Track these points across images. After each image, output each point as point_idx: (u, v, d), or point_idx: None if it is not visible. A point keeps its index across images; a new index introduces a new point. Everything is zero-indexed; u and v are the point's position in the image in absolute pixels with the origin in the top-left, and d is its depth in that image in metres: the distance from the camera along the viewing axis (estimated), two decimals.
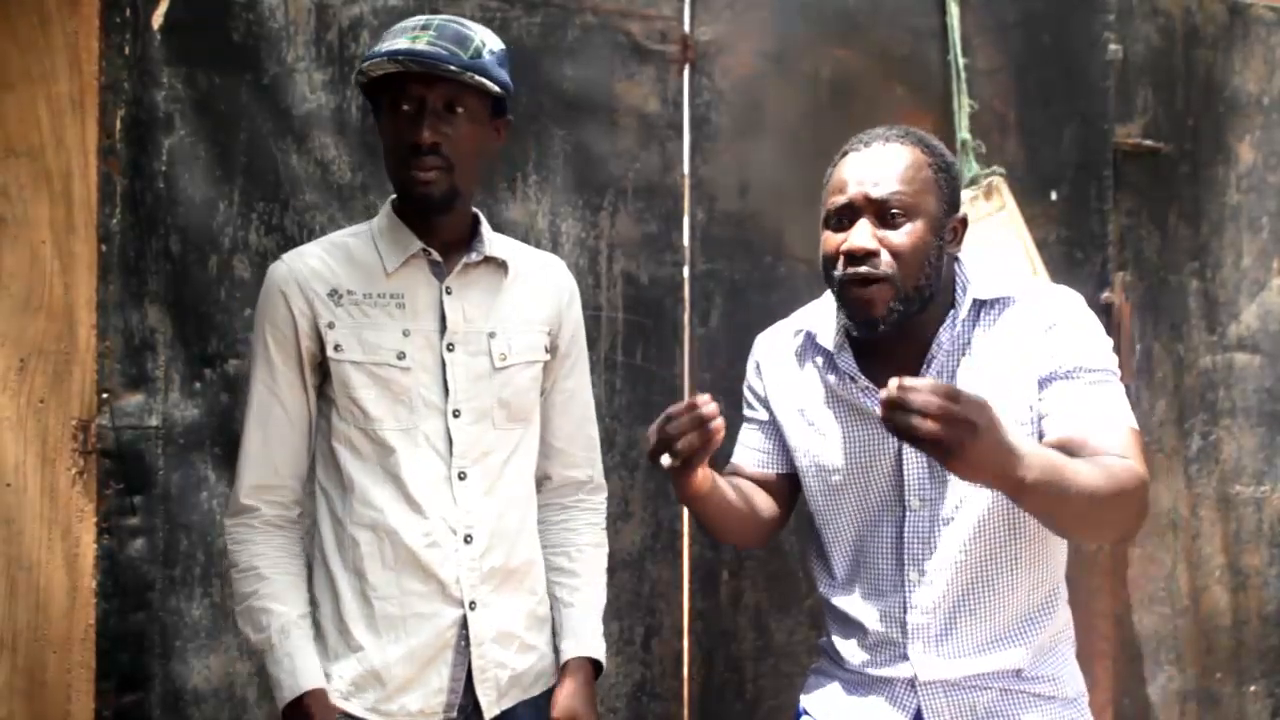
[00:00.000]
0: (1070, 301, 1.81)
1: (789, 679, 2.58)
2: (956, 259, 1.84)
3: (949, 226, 1.78)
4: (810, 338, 1.92)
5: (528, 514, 1.90)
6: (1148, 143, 2.91)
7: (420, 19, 1.78)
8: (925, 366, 1.80)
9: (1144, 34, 2.92)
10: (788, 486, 2.01)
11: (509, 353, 1.85)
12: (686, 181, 2.59)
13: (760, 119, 2.63)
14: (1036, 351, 1.77)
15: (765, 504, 1.98)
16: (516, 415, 1.86)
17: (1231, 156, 3.00)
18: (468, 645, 1.80)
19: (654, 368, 2.55)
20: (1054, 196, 2.81)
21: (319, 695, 1.73)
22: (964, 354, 1.80)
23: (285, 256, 1.84)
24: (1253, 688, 3.02)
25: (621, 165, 2.53)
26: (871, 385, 1.81)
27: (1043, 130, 2.80)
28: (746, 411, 2.03)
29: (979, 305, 1.81)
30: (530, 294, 1.90)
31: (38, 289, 2.16)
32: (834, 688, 1.91)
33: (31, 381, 2.16)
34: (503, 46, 1.83)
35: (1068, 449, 1.66)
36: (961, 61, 2.71)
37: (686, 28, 2.59)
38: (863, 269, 1.72)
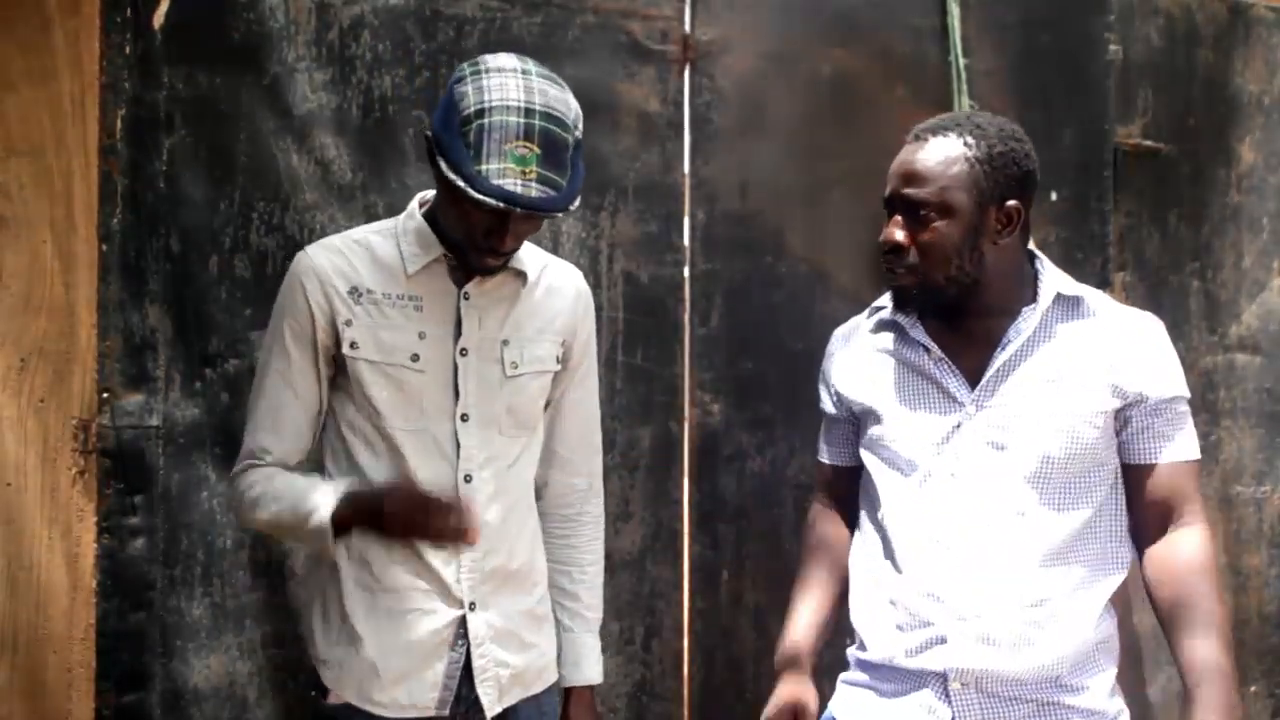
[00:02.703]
0: (1159, 326, 1.94)
1: None
2: (1034, 254, 1.92)
3: (992, 217, 1.82)
4: (887, 312, 1.98)
5: (529, 516, 1.91)
6: (1148, 143, 2.91)
7: (521, 120, 1.64)
8: (1000, 349, 1.85)
9: (1144, 34, 2.92)
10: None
11: (520, 362, 1.86)
12: (687, 181, 2.59)
13: (761, 119, 2.63)
14: (1123, 362, 1.84)
15: (846, 535, 2.06)
16: (523, 423, 1.88)
17: (1232, 157, 3.00)
18: (464, 643, 1.81)
19: (654, 368, 2.55)
20: (1054, 197, 2.81)
21: (356, 485, 1.75)
22: (1046, 340, 1.85)
23: (309, 248, 1.85)
24: (1253, 688, 3.02)
25: (622, 165, 2.53)
26: (945, 357, 1.87)
27: (1043, 130, 2.80)
28: (822, 407, 2.12)
29: (1062, 299, 1.88)
30: (547, 304, 1.91)
31: (38, 289, 2.16)
32: (866, 695, 1.90)
33: (32, 381, 2.16)
34: (580, 115, 1.74)
35: (1162, 507, 1.86)
36: (962, 61, 2.71)
37: (687, 27, 2.59)
38: (892, 259, 1.85)
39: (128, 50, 2.21)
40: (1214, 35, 2.98)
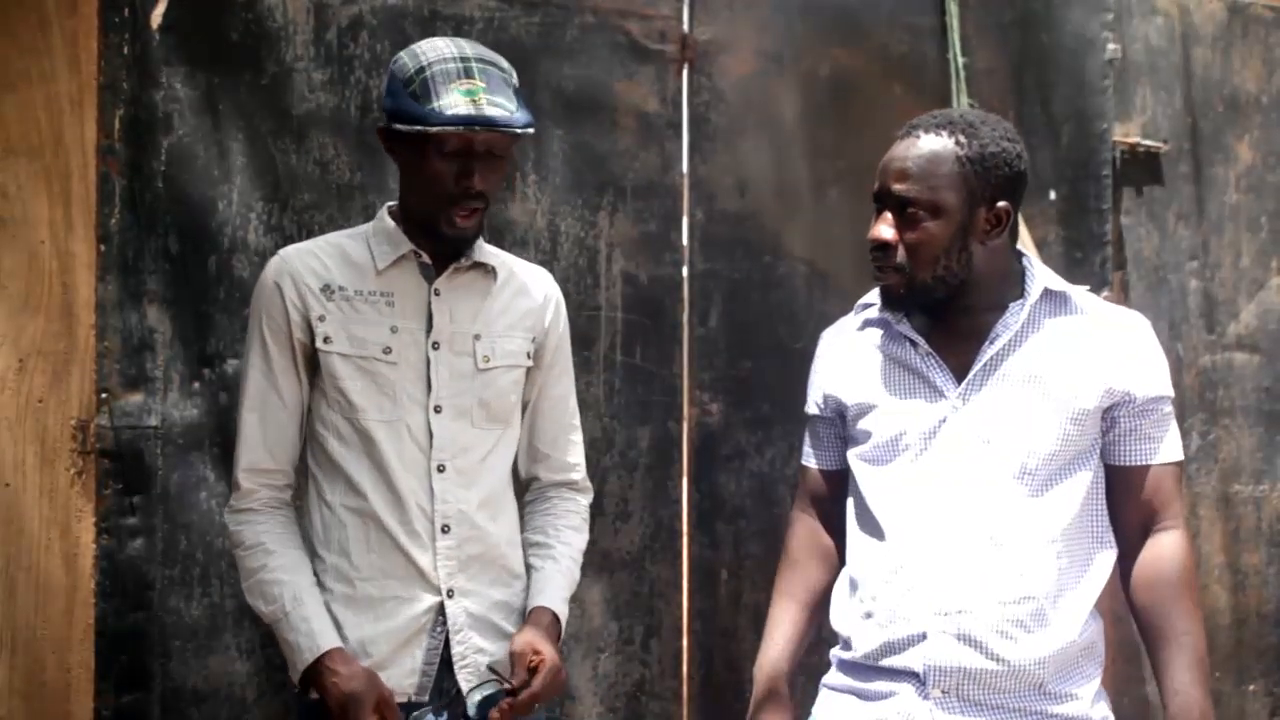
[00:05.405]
0: (1147, 324, 1.91)
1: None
2: (1021, 252, 1.90)
3: (981, 218, 1.81)
4: (873, 310, 1.97)
5: (505, 508, 1.95)
6: (1147, 142, 2.92)
7: (459, 64, 1.77)
8: (989, 343, 1.83)
9: (1143, 34, 2.92)
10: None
11: (492, 355, 1.90)
12: (686, 181, 2.60)
13: (760, 119, 2.63)
14: (1111, 361, 1.82)
15: (828, 545, 2.02)
16: (496, 416, 1.91)
17: (1230, 156, 3.01)
18: (443, 630, 1.84)
19: (654, 367, 2.55)
20: (1053, 196, 2.81)
21: (340, 653, 1.76)
22: (1034, 334, 1.84)
23: (281, 252, 1.89)
24: (1252, 687, 3.03)
25: (621, 165, 2.53)
26: (933, 352, 1.86)
27: (1042, 130, 2.81)
28: (807, 409, 2.07)
29: (1050, 295, 1.86)
30: (517, 302, 1.95)
31: (37, 289, 2.16)
32: (848, 700, 1.88)
33: (31, 381, 2.16)
34: (514, 72, 1.85)
35: (1146, 510, 1.85)
36: (961, 61, 2.72)
37: (686, 27, 2.59)
38: (879, 257, 1.84)
39: (126, 50, 2.21)
40: (1213, 35, 2.99)
